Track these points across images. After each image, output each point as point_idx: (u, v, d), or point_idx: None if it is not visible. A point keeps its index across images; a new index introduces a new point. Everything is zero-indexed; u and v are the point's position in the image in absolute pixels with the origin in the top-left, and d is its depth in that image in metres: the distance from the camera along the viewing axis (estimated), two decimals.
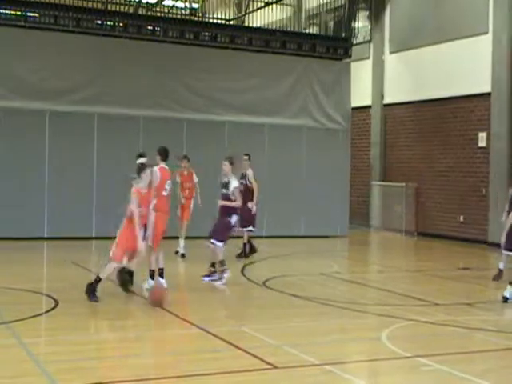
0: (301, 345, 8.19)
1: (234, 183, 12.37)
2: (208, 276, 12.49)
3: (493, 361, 8.08)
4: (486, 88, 20.28)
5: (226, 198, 12.33)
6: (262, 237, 18.89)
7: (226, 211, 12.34)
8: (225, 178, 12.42)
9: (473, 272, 15.00)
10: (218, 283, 12.20)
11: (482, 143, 20.70)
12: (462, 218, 21.24)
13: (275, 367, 7.20)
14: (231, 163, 12.43)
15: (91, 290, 10.23)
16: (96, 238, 18.09)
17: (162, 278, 11.36)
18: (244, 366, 7.25)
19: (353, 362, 8.05)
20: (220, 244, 12.23)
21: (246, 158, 15.92)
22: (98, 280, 10.30)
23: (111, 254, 10.37)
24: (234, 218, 12.43)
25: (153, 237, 11.02)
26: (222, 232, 12.29)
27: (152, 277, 11.27)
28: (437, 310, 10.79)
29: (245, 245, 15.74)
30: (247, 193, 15.14)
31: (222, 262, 12.32)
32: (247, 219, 15.06)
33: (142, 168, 10.68)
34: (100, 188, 18.62)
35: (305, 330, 9.34)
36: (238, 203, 12.32)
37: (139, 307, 10.31)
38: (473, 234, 20.73)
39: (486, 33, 20.34)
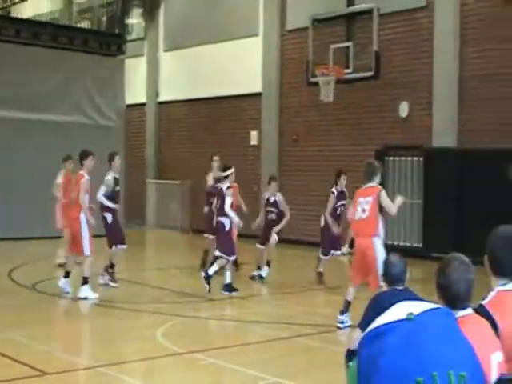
0: (73, 348, 7.92)
1: None
2: None
3: (264, 351, 8.34)
4: (257, 88, 21.00)
5: None
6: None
7: None
8: None
9: (249, 266, 15.42)
10: None
11: (253, 141, 21.40)
12: None
13: (45, 373, 6.88)
14: None
15: None
16: None
17: None
18: (13, 374, 6.86)
19: (128, 362, 7.91)
20: None
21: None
22: None
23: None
24: None
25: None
26: None
27: None
28: (212, 305, 10.96)
29: None
30: None
31: None
32: None
33: None
34: None
35: (77, 332, 9.06)
36: None
37: None
38: (247, 229, 21.28)
39: (257, 35, 21.06)
